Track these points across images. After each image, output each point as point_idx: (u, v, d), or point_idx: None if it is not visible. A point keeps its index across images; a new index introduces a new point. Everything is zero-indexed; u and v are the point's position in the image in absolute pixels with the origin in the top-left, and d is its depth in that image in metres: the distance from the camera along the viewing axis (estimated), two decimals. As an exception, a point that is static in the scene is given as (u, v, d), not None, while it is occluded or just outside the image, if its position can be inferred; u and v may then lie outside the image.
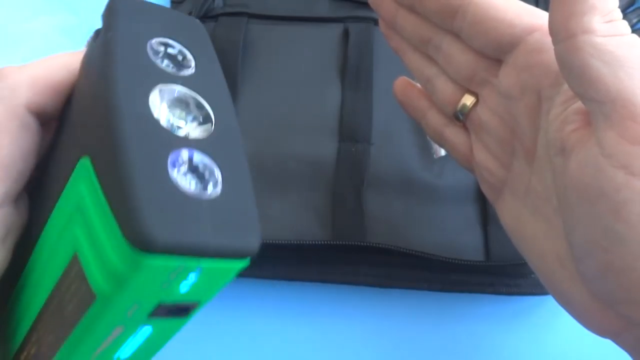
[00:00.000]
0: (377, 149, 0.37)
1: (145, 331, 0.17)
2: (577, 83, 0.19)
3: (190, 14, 0.41)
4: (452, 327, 0.34)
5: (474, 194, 0.36)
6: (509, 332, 0.34)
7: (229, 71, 0.39)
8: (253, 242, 0.16)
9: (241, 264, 0.16)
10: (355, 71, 0.39)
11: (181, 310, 0.17)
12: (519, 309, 0.34)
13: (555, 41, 0.19)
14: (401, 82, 0.31)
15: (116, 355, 0.17)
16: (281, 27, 0.41)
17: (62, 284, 0.17)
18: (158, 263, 0.14)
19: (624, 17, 0.45)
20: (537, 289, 0.33)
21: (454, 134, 0.28)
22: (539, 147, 0.23)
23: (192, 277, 0.15)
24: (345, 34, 0.41)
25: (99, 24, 0.18)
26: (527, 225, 0.24)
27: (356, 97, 0.38)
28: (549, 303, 0.34)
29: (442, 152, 0.37)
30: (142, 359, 0.18)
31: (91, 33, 0.19)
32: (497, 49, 0.24)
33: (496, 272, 0.33)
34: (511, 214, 0.25)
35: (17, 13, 0.41)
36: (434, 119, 0.29)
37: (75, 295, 0.16)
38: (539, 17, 0.22)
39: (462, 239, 0.34)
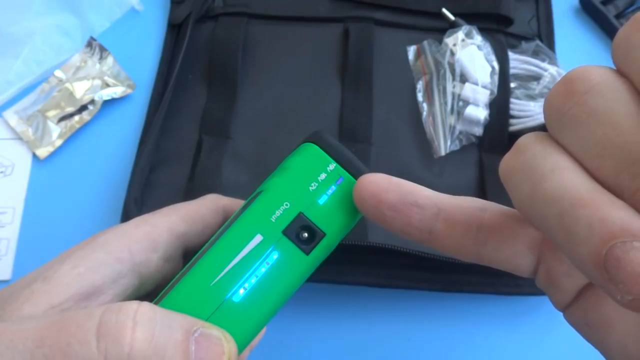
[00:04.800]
0: (377, 149, 0.37)
1: (272, 257, 0.20)
2: None
3: (190, 14, 0.41)
4: (452, 327, 0.34)
5: (474, 193, 0.36)
6: (509, 332, 0.34)
7: (229, 71, 0.39)
8: None
9: None
10: (355, 71, 0.39)
11: (308, 238, 0.20)
12: (519, 309, 0.34)
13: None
14: None
15: (233, 291, 0.19)
16: (281, 27, 0.41)
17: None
18: (317, 149, 0.21)
19: (624, 17, 0.45)
20: (537, 289, 0.33)
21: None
22: None
23: (332, 189, 0.21)
24: (345, 34, 0.41)
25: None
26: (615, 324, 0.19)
27: (356, 97, 0.38)
28: (549, 303, 0.33)
29: (442, 152, 0.37)
30: (246, 318, 0.19)
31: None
32: None
33: (496, 272, 0.32)
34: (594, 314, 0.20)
35: (17, 13, 0.41)
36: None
37: (245, 203, 0.21)
38: None
39: (462, 239, 0.34)
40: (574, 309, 0.20)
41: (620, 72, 0.15)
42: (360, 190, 0.19)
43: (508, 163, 0.17)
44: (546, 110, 0.16)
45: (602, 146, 0.14)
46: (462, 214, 0.19)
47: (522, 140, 0.17)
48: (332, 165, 0.21)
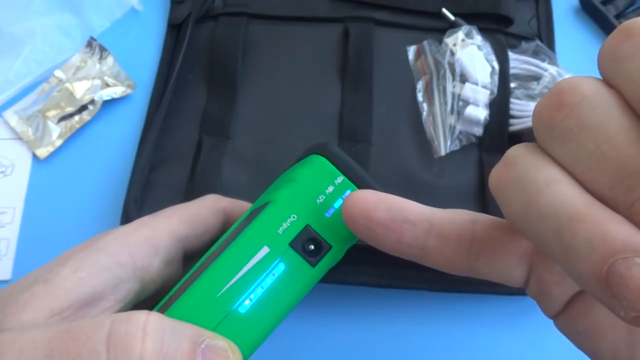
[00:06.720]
0: (377, 149, 0.37)
1: (278, 269, 0.19)
2: None
3: (190, 14, 0.41)
4: (453, 327, 0.34)
5: (474, 193, 0.36)
6: (509, 332, 0.34)
7: (229, 71, 0.39)
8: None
9: None
10: (355, 71, 0.39)
11: (314, 251, 0.20)
12: (519, 309, 0.34)
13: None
14: None
15: (239, 302, 0.19)
16: (281, 27, 0.41)
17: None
18: (325, 162, 0.21)
19: (624, 17, 0.45)
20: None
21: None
22: None
23: (340, 202, 0.21)
24: (345, 34, 0.41)
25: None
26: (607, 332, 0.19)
27: (356, 97, 0.38)
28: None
29: (442, 152, 0.37)
30: (252, 328, 0.19)
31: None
32: None
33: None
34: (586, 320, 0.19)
35: (17, 13, 0.41)
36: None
37: (250, 212, 0.21)
38: None
39: (462, 239, 0.34)
40: (565, 316, 0.20)
41: (608, 83, 0.15)
42: (349, 208, 0.19)
43: (499, 175, 0.16)
44: (535, 122, 0.16)
45: (595, 160, 0.14)
46: (454, 228, 0.19)
47: (511, 151, 0.16)
48: (340, 178, 0.21)
